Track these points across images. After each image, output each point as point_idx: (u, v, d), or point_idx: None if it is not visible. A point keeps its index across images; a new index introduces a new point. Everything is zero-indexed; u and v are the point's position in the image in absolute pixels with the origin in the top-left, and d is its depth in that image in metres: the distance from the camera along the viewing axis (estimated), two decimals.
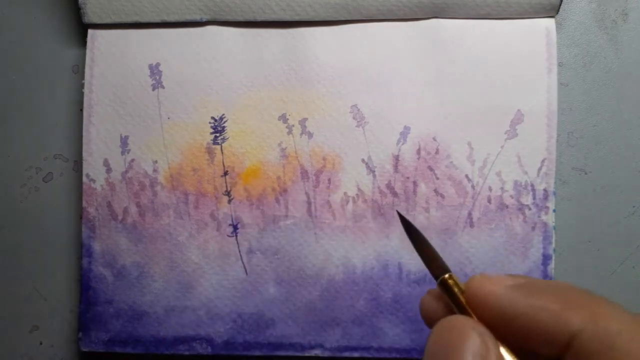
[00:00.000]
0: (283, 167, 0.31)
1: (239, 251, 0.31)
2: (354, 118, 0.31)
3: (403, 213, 0.30)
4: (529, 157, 0.30)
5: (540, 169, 0.30)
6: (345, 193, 0.31)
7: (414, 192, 0.30)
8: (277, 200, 0.31)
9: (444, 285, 0.19)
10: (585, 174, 0.32)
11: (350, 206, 0.31)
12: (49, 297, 0.32)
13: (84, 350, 0.31)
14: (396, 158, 0.31)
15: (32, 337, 0.32)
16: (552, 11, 0.30)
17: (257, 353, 0.30)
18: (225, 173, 0.31)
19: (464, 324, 0.17)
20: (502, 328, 0.17)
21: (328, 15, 0.30)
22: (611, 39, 0.33)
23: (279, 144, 0.31)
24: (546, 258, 0.30)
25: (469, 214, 0.30)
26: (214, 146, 0.31)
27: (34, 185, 0.32)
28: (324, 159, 0.31)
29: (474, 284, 0.18)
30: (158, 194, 0.31)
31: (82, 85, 0.31)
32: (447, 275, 0.19)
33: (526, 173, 0.30)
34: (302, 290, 0.31)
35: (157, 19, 0.31)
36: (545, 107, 0.30)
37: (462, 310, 0.18)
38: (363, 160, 0.31)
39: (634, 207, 0.32)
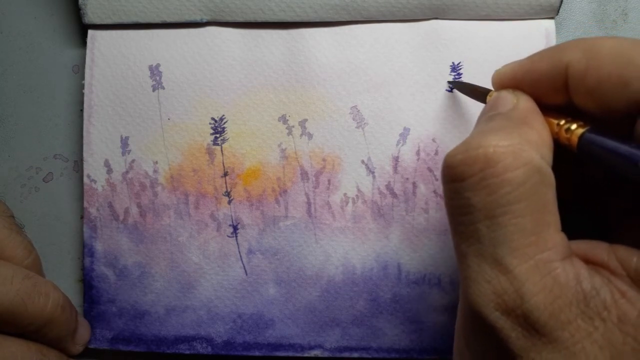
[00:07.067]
0: (283, 168, 0.31)
1: (239, 252, 0.31)
2: (353, 119, 0.31)
3: (402, 214, 0.30)
4: None
5: None
6: (345, 194, 0.31)
7: (414, 193, 0.31)
8: (277, 201, 0.31)
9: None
10: None
11: (349, 207, 0.31)
12: None
13: (89, 347, 0.31)
14: (396, 159, 0.31)
15: None
16: (552, 12, 0.30)
17: (256, 353, 0.31)
18: (225, 174, 0.31)
19: (505, 92, 0.23)
20: (526, 89, 0.22)
21: (328, 16, 0.30)
22: None
23: (279, 145, 0.31)
24: None
25: None
26: (214, 147, 0.31)
27: (34, 185, 0.33)
28: (324, 160, 0.31)
29: (494, 78, 0.24)
30: (159, 195, 0.31)
31: (82, 86, 0.32)
32: (489, 94, 0.25)
33: None
34: (302, 290, 0.31)
35: (157, 20, 0.31)
36: None
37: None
38: (363, 162, 0.31)
39: None
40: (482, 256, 0.19)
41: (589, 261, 0.19)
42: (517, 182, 0.18)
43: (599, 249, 0.19)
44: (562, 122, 0.20)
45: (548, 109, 0.21)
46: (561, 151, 0.21)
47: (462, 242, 0.20)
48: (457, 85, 0.30)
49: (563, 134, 0.20)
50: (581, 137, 0.19)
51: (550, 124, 0.21)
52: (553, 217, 0.19)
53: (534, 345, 0.18)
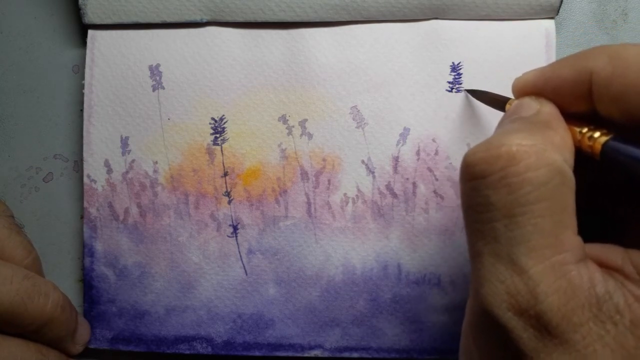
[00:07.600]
0: (283, 168, 0.31)
1: (239, 252, 0.31)
2: (353, 119, 0.31)
3: (402, 214, 0.30)
4: None
5: None
6: (345, 194, 0.31)
7: (414, 193, 0.31)
8: (277, 201, 0.31)
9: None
10: None
11: (349, 207, 0.31)
12: None
13: (89, 347, 0.31)
14: (396, 159, 0.31)
15: None
16: (552, 12, 0.30)
17: (256, 353, 0.31)
18: (225, 174, 0.31)
19: (528, 98, 0.22)
20: (548, 96, 0.22)
21: (328, 16, 0.30)
22: (611, 39, 0.33)
23: (279, 145, 0.31)
24: None
25: None
26: (214, 147, 0.31)
27: (34, 185, 0.33)
28: (324, 160, 0.31)
29: (514, 85, 0.23)
30: (158, 195, 0.31)
31: (82, 86, 0.32)
32: (508, 102, 0.25)
33: None
34: (302, 290, 0.31)
35: (157, 20, 0.31)
36: None
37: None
38: (363, 162, 0.31)
39: None
40: (497, 255, 0.19)
41: (602, 265, 0.19)
42: (539, 182, 0.18)
43: (613, 253, 0.19)
44: (585, 130, 0.20)
45: (570, 117, 0.21)
46: (576, 156, 0.21)
47: (478, 241, 0.19)
48: (474, 93, 0.30)
49: (585, 142, 0.20)
50: (604, 144, 0.20)
51: (572, 132, 0.21)
52: (571, 219, 0.19)
53: (545, 346, 0.18)
